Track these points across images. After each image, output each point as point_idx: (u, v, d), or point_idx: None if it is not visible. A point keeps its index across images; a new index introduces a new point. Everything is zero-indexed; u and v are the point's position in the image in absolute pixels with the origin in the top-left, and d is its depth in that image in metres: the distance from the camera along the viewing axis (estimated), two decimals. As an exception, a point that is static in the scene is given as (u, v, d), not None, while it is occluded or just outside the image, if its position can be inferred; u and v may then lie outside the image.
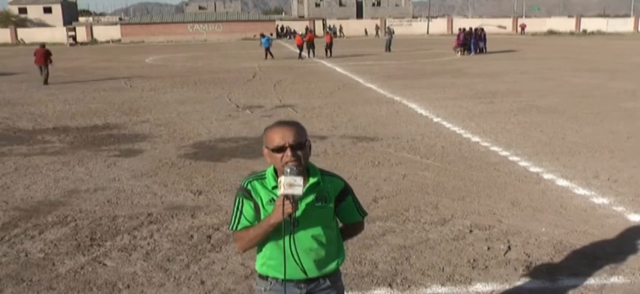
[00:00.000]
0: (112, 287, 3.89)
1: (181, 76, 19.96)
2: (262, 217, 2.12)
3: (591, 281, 3.84)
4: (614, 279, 3.87)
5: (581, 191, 5.84)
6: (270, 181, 2.13)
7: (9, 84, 18.18)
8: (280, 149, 2.04)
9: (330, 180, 2.20)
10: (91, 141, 8.91)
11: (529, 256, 4.24)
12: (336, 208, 2.21)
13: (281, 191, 1.97)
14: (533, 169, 6.69)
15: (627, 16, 69.64)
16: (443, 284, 3.85)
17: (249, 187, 2.16)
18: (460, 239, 4.60)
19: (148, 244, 4.63)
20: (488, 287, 3.81)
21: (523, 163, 6.97)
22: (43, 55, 18.16)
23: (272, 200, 2.08)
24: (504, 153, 7.52)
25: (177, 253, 4.42)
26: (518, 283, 3.87)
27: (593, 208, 5.35)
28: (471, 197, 5.68)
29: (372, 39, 52.13)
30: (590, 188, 5.92)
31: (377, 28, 61.00)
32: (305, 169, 2.09)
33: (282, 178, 1.98)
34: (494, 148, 7.80)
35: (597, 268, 4.03)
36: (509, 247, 4.41)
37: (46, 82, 17.82)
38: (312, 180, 2.12)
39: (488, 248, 4.41)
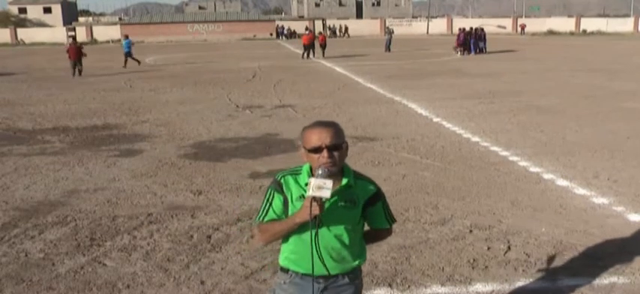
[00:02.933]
0: (112, 287, 3.89)
1: (181, 76, 19.96)
2: (290, 212, 2.14)
3: (591, 281, 3.84)
4: (615, 279, 3.87)
5: (581, 191, 5.84)
6: (304, 178, 2.15)
7: (9, 84, 18.19)
8: (317, 150, 2.06)
9: (362, 184, 2.22)
10: (91, 141, 8.91)
11: (529, 256, 4.24)
12: (365, 212, 2.22)
13: (309, 193, 1.99)
14: (533, 169, 6.69)
15: (627, 16, 69.63)
16: (443, 284, 3.85)
17: (282, 181, 2.18)
18: (460, 239, 4.60)
19: (148, 244, 4.63)
20: (488, 287, 3.81)
21: (523, 163, 6.97)
22: (76, 50, 19.98)
23: (302, 196, 2.11)
24: (504, 153, 7.52)
25: (177, 253, 4.42)
26: (518, 283, 3.87)
27: (593, 208, 5.35)
28: (471, 197, 5.68)
29: (374, 39, 52.08)
30: (590, 188, 5.92)
31: (344, 28, 60.32)
32: (340, 170, 2.12)
33: (312, 180, 2.00)
34: (494, 148, 7.80)
35: (597, 268, 4.03)
36: (509, 247, 4.41)
37: (80, 73, 19.84)
38: (344, 182, 2.14)
39: (488, 248, 4.41)
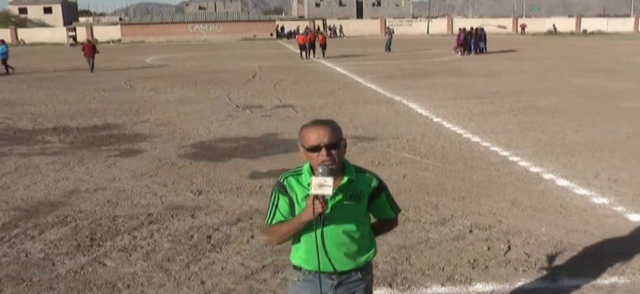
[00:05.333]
0: (112, 287, 3.89)
1: (181, 76, 19.96)
2: (297, 212, 2.17)
3: (591, 281, 3.84)
4: (615, 279, 3.87)
5: (581, 191, 5.84)
6: (305, 178, 2.18)
7: (9, 84, 18.19)
8: (315, 149, 2.08)
9: (365, 178, 2.25)
10: (91, 141, 8.91)
11: (529, 256, 4.24)
12: (370, 205, 2.26)
13: (312, 191, 2.02)
14: (534, 169, 6.69)
15: (627, 16, 69.59)
16: (443, 284, 3.85)
17: (285, 183, 2.21)
18: (460, 239, 4.60)
19: (148, 244, 4.63)
20: (489, 287, 3.81)
21: (523, 163, 6.97)
22: (91, 48, 22.74)
23: (306, 196, 2.13)
24: (504, 153, 7.52)
25: (178, 253, 4.42)
26: (518, 283, 3.87)
27: (593, 208, 5.35)
28: (471, 197, 5.68)
29: (374, 39, 52.02)
30: (590, 188, 5.92)
31: (339, 27, 59.83)
32: (340, 167, 2.15)
33: (313, 179, 2.03)
34: (495, 148, 7.80)
35: (597, 268, 4.03)
36: (509, 247, 4.41)
37: (92, 69, 22.03)
38: (346, 178, 2.17)
39: (489, 248, 4.41)
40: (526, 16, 70.71)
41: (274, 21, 65.44)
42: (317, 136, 2.08)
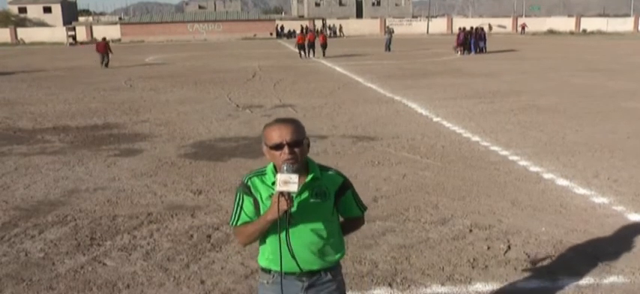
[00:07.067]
0: (112, 287, 3.89)
1: (181, 75, 19.95)
2: (262, 212, 2.16)
3: (591, 280, 3.84)
4: (614, 278, 3.88)
5: (581, 191, 5.84)
6: (269, 178, 2.18)
7: (9, 84, 18.19)
8: (278, 147, 2.09)
9: (330, 176, 2.25)
10: (91, 140, 8.91)
11: (529, 256, 4.25)
12: (336, 203, 2.25)
13: (277, 188, 2.02)
14: (533, 169, 6.69)
15: (627, 15, 69.57)
16: (443, 284, 3.86)
17: (249, 183, 2.21)
18: (460, 239, 4.60)
19: (148, 243, 4.63)
20: (488, 287, 3.81)
21: (523, 163, 6.98)
22: (104, 46, 23.95)
23: (271, 196, 2.13)
24: (504, 152, 7.52)
25: (177, 253, 4.42)
26: (518, 282, 3.87)
27: (593, 207, 5.35)
28: (471, 197, 5.68)
29: (374, 39, 51.99)
30: (590, 188, 5.92)
31: (339, 27, 60.01)
32: (304, 166, 2.15)
33: (278, 176, 2.03)
34: (494, 148, 7.80)
35: (597, 267, 4.03)
36: (509, 247, 4.42)
37: (107, 65, 23.42)
38: (310, 176, 2.16)
39: (488, 248, 4.41)
40: (526, 16, 70.69)
41: (274, 20, 65.36)
42: (279, 134, 2.09)
